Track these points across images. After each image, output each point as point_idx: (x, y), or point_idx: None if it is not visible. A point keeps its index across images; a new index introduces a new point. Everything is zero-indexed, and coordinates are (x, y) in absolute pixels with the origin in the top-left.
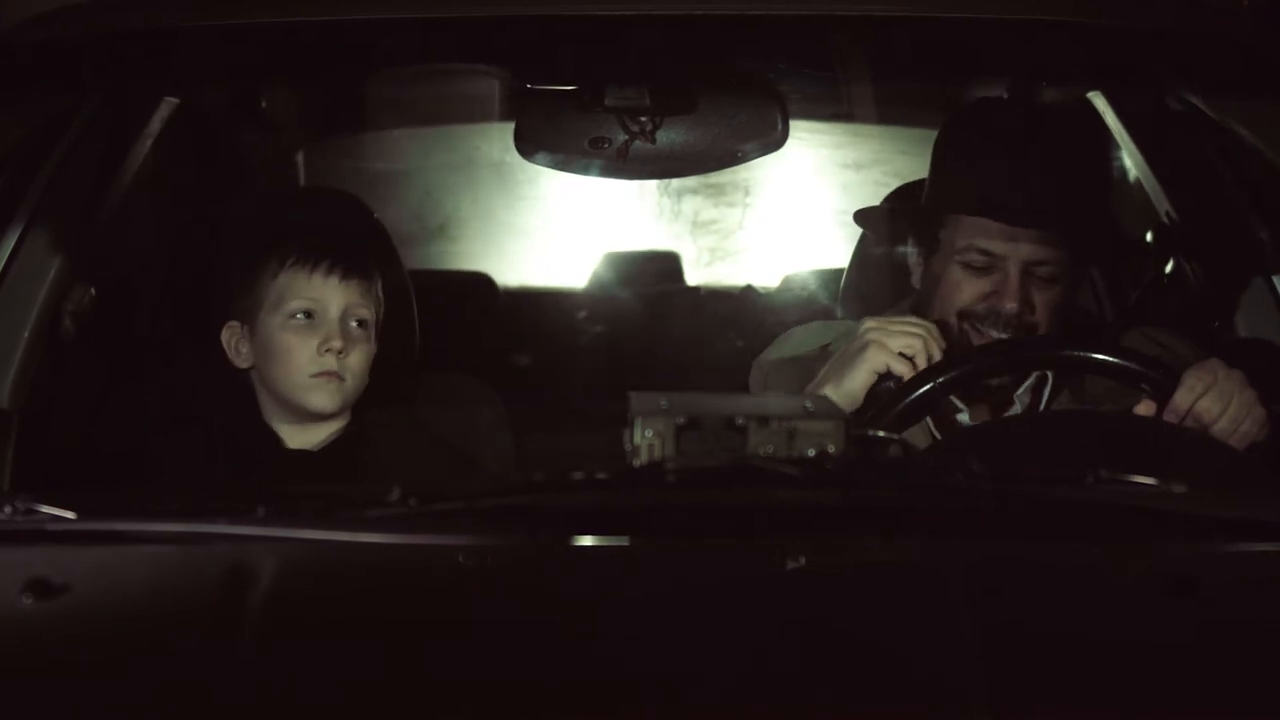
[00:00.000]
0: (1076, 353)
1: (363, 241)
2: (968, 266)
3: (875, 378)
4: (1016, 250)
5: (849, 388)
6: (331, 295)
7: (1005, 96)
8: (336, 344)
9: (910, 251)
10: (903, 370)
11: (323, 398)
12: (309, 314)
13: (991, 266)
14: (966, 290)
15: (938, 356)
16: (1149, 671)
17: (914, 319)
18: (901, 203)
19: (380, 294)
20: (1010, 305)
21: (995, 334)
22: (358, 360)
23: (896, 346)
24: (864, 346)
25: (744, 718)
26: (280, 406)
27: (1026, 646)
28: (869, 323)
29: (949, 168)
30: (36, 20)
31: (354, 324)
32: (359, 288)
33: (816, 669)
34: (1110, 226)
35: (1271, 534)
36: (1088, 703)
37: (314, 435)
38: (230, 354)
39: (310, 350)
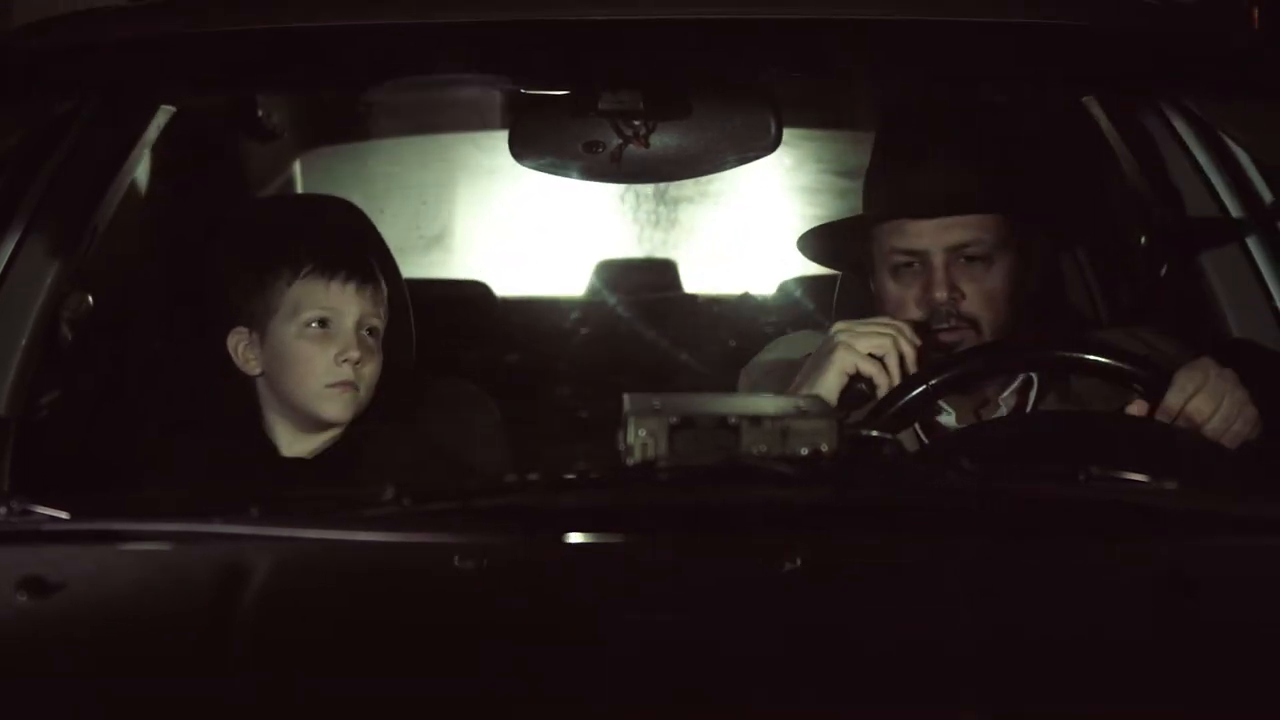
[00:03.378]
0: (1069, 354)
1: (369, 249)
2: (896, 272)
3: (846, 379)
4: (934, 240)
5: (820, 391)
6: (348, 305)
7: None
8: (354, 354)
9: (868, 276)
10: (871, 371)
11: (337, 408)
12: (324, 323)
13: (919, 265)
14: (906, 302)
15: (909, 355)
16: (1145, 671)
17: (884, 319)
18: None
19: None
20: (940, 294)
21: (946, 333)
22: (371, 371)
23: (865, 348)
24: (833, 349)
25: (739, 718)
26: (287, 414)
27: (1022, 646)
28: (839, 325)
29: (865, 184)
30: (37, 26)
31: (366, 333)
32: (372, 297)
33: (811, 668)
34: (1049, 197)
35: (1268, 531)
36: (1085, 702)
37: (310, 443)
38: (238, 361)
39: (327, 360)
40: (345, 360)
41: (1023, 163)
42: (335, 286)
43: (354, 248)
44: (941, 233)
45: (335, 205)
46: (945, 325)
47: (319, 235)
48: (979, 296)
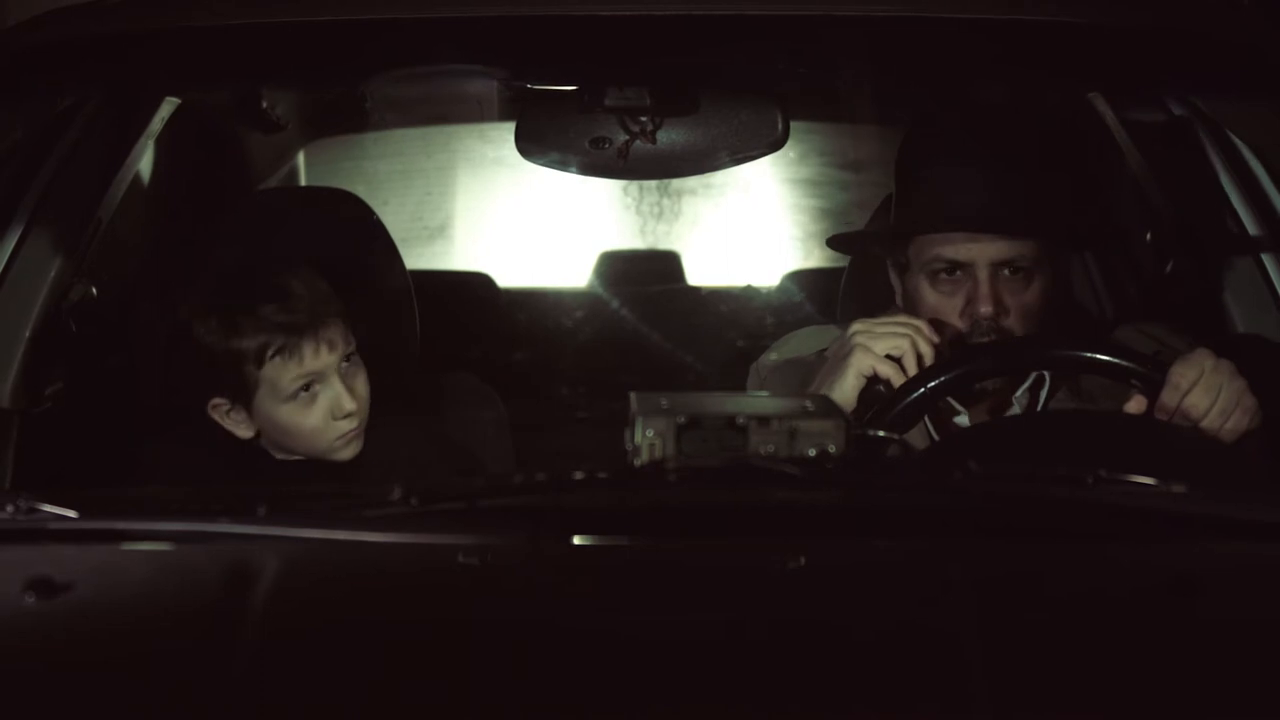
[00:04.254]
0: (1065, 351)
1: (322, 270)
2: (936, 277)
3: (864, 382)
4: (981, 253)
5: (838, 394)
6: (325, 363)
7: (950, 112)
8: (349, 406)
9: (891, 273)
10: (889, 373)
11: (348, 452)
12: (308, 386)
13: (960, 275)
14: (945, 311)
15: (928, 354)
16: (1148, 671)
17: (902, 318)
18: (884, 213)
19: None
20: (985, 309)
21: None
22: (363, 391)
23: (882, 349)
24: (850, 351)
25: (744, 718)
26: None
27: (1026, 646)
28: (857, 325)
29: (905, 187)
30: (37, 20)
31: (347, 363)
32: (343, 334)
33: (817, 670)
34: (1081, 213)
35: (1271, 534)
36: (1088, 703)
37: None
38: (225, 425)
39: (324, 419)
40: (343, 416)
41: (1065, 181)
42: (308, 356)
43: (310, 298)
44: (989, 246)
45: (338, 197)
46: (985, 339)
47: (274, 309)
48: (1019, 311)
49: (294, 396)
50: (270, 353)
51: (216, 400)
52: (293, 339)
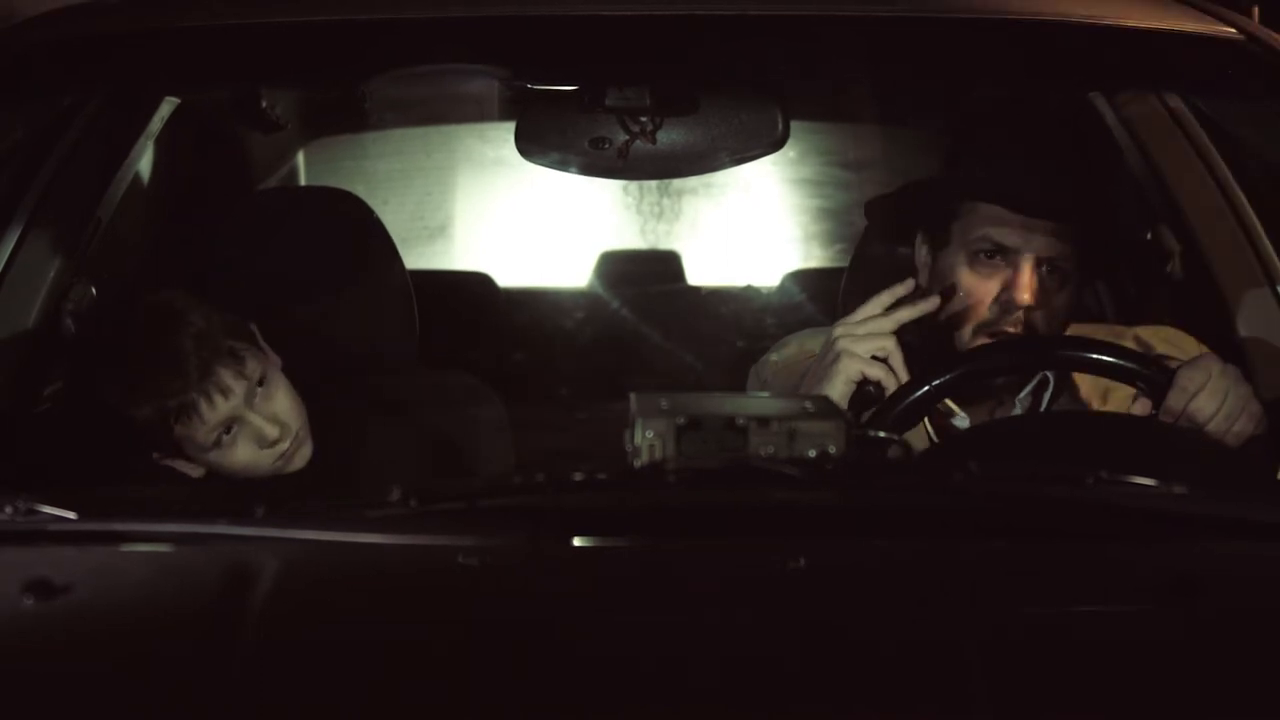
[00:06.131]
0: (1071, 352)
1: (321, 270)
2: (976, 258)
3: (853, 386)
4: (1030, 243)
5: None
6: (228, 409)
7: (1013, 97)
8: (272, 434)
9: (920, 249)
10: (878, 375)
11: (295, 465)
12: (229, 429)
13: (1002, 260)
14: (978, 291)
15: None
16: (1149, 671)
17: (881, 313)
18: (906, 198)
19: (257, 340)
20: (1024, 297)
21: (1010, 331)
22: (285, 409)
23: (867, 351)
24: (836, 357)
25: (743, 718)
26: None
27: (1027, 647)
28: (838, 330)
29: (967, 158)
30: (37, 20)
31: (260, 388)
32: (238, 373)
33: (817, 670)
34: (1114, 229)
35: (1271, 534)
36: (1088, 703)
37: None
38: (178, 469)
39: (253, 453)
40: (269, 445)
41: (1112, 197)
42: (206, 412)
43: (196, 352)
44: (1038, 238)
45: (337, 197)
46: (1011, 329)
47: (163, 374)
48: (1047, 311)
49: (216, 443)
50: (170, 418)
51: (155, 454)
52: (186, 400)
